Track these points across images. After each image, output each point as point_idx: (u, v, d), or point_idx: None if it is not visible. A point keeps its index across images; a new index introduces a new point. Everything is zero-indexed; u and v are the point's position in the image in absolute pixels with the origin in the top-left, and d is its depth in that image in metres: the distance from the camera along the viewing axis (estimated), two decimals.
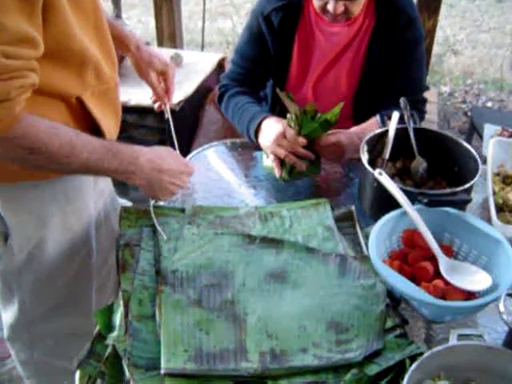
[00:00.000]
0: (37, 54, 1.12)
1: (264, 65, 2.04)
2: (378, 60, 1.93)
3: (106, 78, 1.40)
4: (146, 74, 1.66)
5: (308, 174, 1.77)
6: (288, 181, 1.75)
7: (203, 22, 3.83)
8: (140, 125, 2.75)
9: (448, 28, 5.38)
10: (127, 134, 2.68)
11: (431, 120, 2.57)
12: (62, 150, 1.19)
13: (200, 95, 2.83)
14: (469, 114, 4.18)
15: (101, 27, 1.36)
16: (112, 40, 1.46)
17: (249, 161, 1.86)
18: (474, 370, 1.12)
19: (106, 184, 1.68)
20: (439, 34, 5.34)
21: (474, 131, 3.33)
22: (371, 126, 1.81)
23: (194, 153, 1.94)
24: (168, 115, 1.70)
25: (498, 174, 1.63)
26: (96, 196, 1.59)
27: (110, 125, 1.44)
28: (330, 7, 1.77)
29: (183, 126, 2.19)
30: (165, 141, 2.57)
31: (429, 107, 2.59)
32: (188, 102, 2.63)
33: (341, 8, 1.76)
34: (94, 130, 1.37)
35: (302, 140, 1.69)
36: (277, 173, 1.73)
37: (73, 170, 1.26)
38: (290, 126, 1.71)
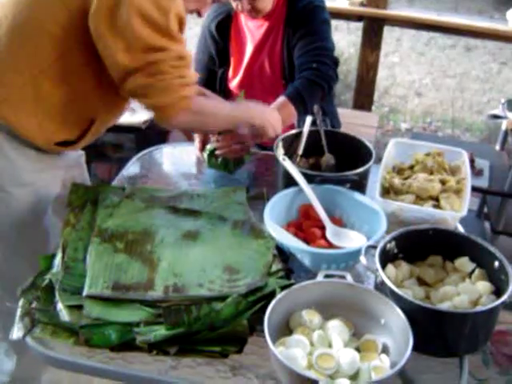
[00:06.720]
0: None
1: (212, 69, 2.41)
2: (289, 43, 2.24)
3: None
4: None
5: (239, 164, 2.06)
6: (233, 172, 2.04)
7: None
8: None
9: (415, 73, 5.75)
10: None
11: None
12: (219, 109, 1.79)
13: None
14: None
15: None
16: None
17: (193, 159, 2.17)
18: (340, 307, 1.37)
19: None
20: (405, 79, 5.70)
21: None
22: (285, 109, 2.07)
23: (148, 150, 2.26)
24: None
25: (394, 168, 1.92)
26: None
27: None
28: (239, 7, 2.13)
29: (149, 143, 2.48)
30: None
31: (364, 130, 2.91)
32: (154, 122, 2.93)
33: (247, 6, 2.11)
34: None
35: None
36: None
37: (226, 122, 1.81)
38: None
